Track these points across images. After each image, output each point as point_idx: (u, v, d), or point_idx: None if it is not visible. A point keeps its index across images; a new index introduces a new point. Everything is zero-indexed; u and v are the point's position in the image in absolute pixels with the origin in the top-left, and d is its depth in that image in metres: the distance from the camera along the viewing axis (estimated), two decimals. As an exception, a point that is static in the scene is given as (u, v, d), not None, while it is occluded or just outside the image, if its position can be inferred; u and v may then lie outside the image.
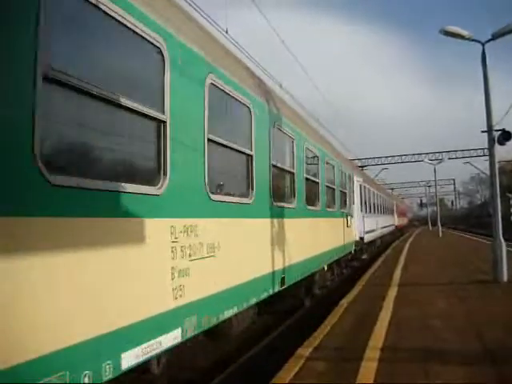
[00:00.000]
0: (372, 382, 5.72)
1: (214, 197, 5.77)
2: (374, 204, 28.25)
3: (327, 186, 13.18)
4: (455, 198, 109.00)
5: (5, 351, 2.86)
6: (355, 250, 19.29)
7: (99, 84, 3.73)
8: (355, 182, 20.13)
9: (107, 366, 3.66)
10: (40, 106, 3.13)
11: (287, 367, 6.47)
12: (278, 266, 8.25)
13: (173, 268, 4.70)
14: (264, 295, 7.52)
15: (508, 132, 14.27)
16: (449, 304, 10.43)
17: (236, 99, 6.74)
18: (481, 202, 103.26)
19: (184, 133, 5.10)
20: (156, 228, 4.47)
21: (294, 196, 9.63)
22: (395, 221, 49.66)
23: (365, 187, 23.98)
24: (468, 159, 59.13)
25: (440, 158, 54.18)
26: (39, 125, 3.12)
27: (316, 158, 12.02)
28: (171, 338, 4.60)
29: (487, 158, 16.12)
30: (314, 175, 11.69)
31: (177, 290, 4.74)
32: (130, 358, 3.93)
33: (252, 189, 7.18)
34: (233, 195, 6.69)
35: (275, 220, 8.20)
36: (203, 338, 6.77)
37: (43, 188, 3.15)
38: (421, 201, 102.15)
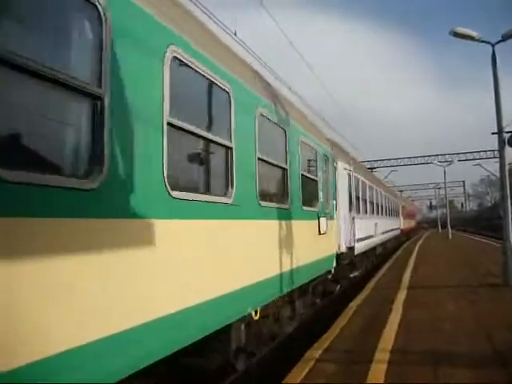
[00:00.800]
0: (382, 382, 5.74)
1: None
2: (372, 202, 22.08)
3: (276, 167, 8.15)
4: (465, 200, 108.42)
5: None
6: (338, 266, 13.21)
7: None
8: (340, 169, 14.19)
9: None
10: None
11: (297, 369, 6.49)
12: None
13: None
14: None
15: (518, 134, 14.21)
16: (458, 307, 10.38)
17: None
18: (491, 204, 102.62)
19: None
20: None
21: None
22: (401, 224, 43.38)
23: (357, 179, 17.69)
24: (478, 161, 58.83)
25: (449, 159, 53.95)
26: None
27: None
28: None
29: (497, 159, 16.03)
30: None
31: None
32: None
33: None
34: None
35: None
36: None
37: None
38: (430, 203, 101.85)
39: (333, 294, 14.04)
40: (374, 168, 57.49)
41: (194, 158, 5.61)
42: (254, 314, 7.10)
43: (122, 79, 4.02)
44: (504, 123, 14.27)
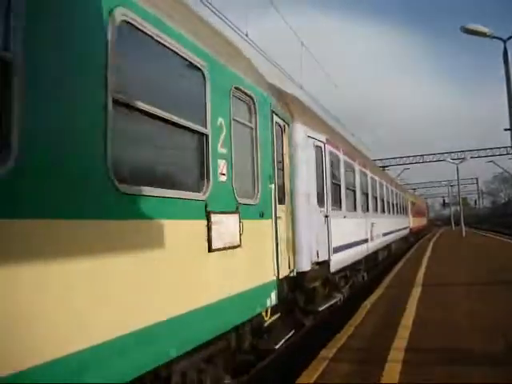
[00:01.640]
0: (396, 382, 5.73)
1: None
2: (366, 195, 16.76)
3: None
4: (478, 197, 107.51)
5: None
6: (286, 298, 8.34)
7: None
8: (299, 135, 9.44)
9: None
10: None
11: (311, 368, 6.51)
12: None
13: None
14: None
15: (532, 130, 14.10)
16: (474, 305, 10.32)
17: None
18: (504, 202, 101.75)
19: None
20: None
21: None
22: (410, 222, 37.86)
23: (336, 157, 12.20)
24: (491, 158, 58.41)
25: (462, 157, 53.55)
26: None
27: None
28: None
29: (511, 156, 15.89)
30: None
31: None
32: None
33: None
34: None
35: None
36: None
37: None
38: (443, 200, 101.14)
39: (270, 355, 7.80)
40: (387, 166, 57.34)
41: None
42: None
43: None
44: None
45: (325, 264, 10.12)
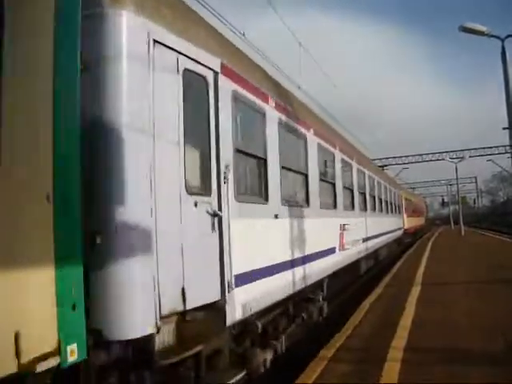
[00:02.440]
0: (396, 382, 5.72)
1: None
2: (332, 184, 11.79)
3: None
4: (477, 196, 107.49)
5: None
6: None
7: None
8: (122, 32, 4.43)
9: None
10: None
11: (310, 368, 6.49)
12: None
13: None
14: None
15: (530, 129, 14.09)
16: (473, 303, 10.31)
17: None
18: (503, 200, 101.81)
19: None
20: None
21: None
22: (404, 222, 33.36)
23: (260, 109, 7.35)
24: (490, 157, 58.39)
25: (461, 156, 53.50)
26: None
27: None
28: None
29: (509, 155, 15.89)
30: None
31: None
32: None
33: None
34: None
35: None
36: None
37: None
38: (443, 199, 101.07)
39: None
40: (386, 166, 57.30)
41: None
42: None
43: None
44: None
45: (213, 310, 5.43)
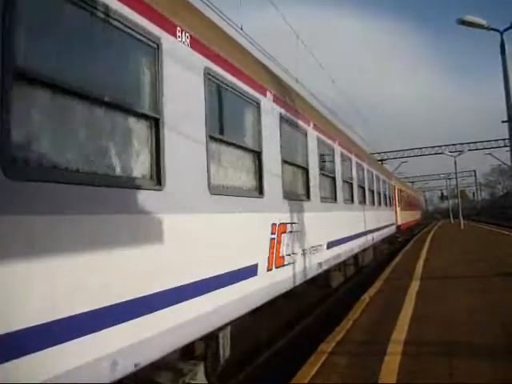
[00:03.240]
0: (395, 377, 5.72)
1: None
2: (285, 163, 8.21)
3: None
4: (476, 189, 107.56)
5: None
6: None
7: None
8: None
9: None
10: None
11: (310, 362, 6.49)
12: None
13: None
14: None
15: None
16: (473, 296, 10.32)
17: None
18: (503, 193, 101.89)
19: None
20: None
21: None
22: (397, 217, 29.19)
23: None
24: (489, 150, 58.44)
25: (460, 149, 53.52)
26: None
27: None
28: None
29: (508, 148, 15.88)
30: None
31: None
32: None
33: None
34: None
35: None
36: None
37: None
38: (442, 193, 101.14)
39: None
40: (385, 160, 57.30)
41: None
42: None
43: None
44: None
45: None
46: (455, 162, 48.14)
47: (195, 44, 5.27)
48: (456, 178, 52.46)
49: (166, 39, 4.69)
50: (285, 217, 7.92)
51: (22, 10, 3.09)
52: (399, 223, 29.81)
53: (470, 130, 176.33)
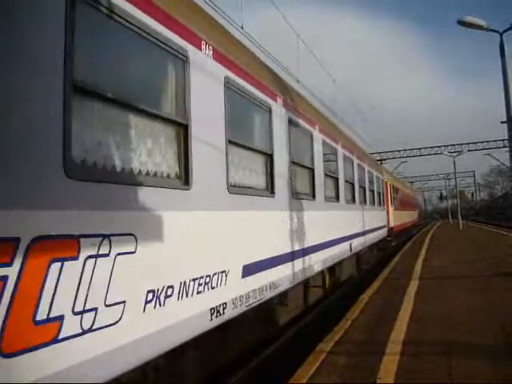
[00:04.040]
0: (393, 377, 5.72)
1: None
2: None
3: None
4: (475, 190, 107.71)
5: None
6: None
7: None
8: None
9: None
10: None
11: (308, 362, 6.49)
12: None
13: None
14: None
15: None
16: (472, 296, 10.32)
17: None
18: (501, 194, 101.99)
19: None
20: None
21: None
22: (390, 219, 25.18)
23: None
24: (488, 151, 58.46)
25: (459, 150, 53.55)
26: None
27: None
28: None
29: (507, 148, 15.89)
30: None
31: None
32: None
33: None
34: None
35: None
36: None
37: None
38: (441, 193, 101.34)
39: None
40: (384, 160, 57.33)
41: None
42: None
43: None
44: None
45: None
46: (454, 163, 48.22)
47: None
48: (455, 178, 52.48)
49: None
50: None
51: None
52: (392, 225, 25.78)
53: (469, 130, 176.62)
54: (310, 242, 9.11)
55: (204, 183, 5.13)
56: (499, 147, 55.27)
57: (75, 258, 3.35)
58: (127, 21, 4.08)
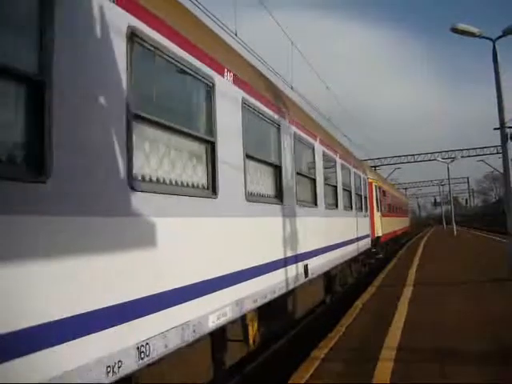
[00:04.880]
0: (388, 382, 5.72)
1: None
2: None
3: None
4: (469, 196, 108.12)
5: None
6: None
7: None
8: None
9: None
10: None
11: (302, 368, 6.48)
12: None
13: None
14: None
15: (521, 128, 14.18)
16: (465, 302, 10.35)
17: None
18: (495, 200, 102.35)
19: None
20: None
21: None
22: (376, 226, 21.34)
23: None
24: (481, 157, 58.70)
25: (453, 156, 53.77)
26: None
27: None
28: None
29: (501, 155, 15.97)
30: None
31: None
32: None
33: None
34: None
35: None
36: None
37: None
38: (435, 200, 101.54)
39: None
40: (378, 166, 57.45)
41: None
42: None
43: None
44: (506, 118, 14.25)
45: None
46: (448, 169, 48.44)
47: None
48: (449, 184, 52.72)
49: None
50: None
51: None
52: (379, 234, 21.83)
53: (463, 137, 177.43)
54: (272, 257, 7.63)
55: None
56: (492, 153, 55.59)
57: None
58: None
